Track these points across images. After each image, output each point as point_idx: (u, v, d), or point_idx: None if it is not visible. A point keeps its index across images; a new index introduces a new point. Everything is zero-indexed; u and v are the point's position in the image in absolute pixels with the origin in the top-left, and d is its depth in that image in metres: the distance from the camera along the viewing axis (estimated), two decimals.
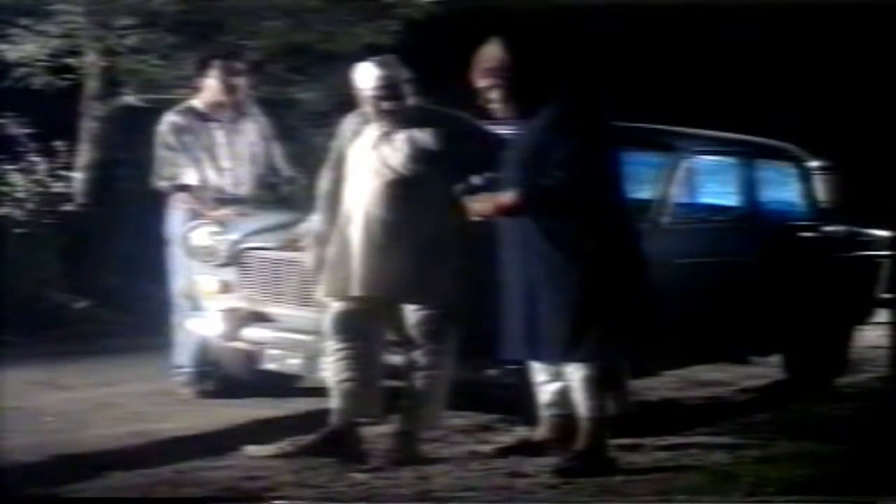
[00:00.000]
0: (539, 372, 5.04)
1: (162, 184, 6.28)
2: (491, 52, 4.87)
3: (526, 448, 5.08)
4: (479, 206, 4.80)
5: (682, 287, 5.46)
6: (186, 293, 6.11)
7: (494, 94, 4.86)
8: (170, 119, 6.30)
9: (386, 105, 4.96)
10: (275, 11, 9.18)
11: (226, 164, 6.29)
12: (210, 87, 6.30)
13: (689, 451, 5.21)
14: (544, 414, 5.08)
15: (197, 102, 6.35)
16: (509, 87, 4.83)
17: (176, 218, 6.25)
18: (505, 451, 5.08)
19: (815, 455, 5.11)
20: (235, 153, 6.32)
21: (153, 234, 6.38)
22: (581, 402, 4.87)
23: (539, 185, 4.74)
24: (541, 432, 5.11)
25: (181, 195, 6.23)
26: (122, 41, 8.93)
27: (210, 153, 6.27)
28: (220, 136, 6.30)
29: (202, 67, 6.36)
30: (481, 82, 4.88)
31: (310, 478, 4.67)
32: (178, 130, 6.25)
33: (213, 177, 6.26)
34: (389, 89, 4.95)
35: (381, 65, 4.98)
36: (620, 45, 12.80)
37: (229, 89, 6.28)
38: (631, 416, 4.96)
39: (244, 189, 6.31)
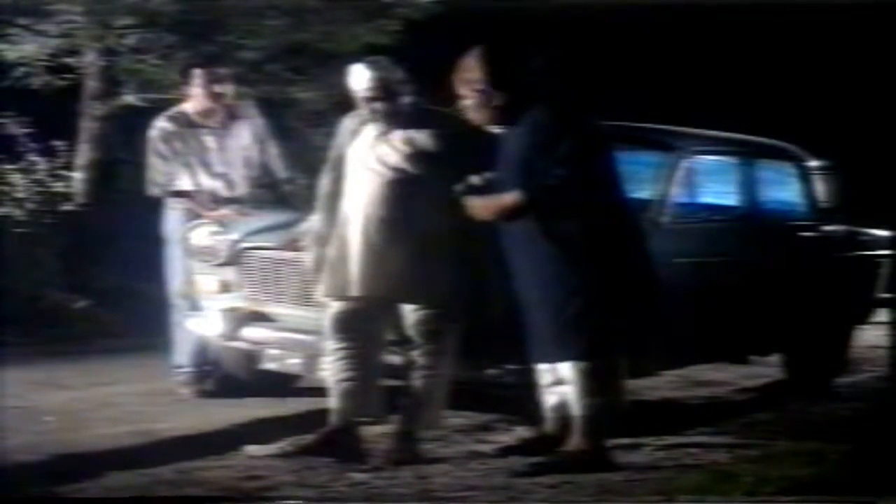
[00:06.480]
0: (545, 374, 5.02)
1: (155, 191, 6.29)
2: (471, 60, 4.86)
3: (528, 447, 5.07)
4: (481, 207, 4.80)
5: (681, 287, 5.46)
6: (186, 293, 6.10)
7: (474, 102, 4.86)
8: (159, 125, 6.29)
9: (379, 106, 4.97)
10: (275, 11, 9.18)
11: (218, 168, 6.27)
12: (195, 95, 6.29)
13: (689, 451, 5.21)
14: (549, 416, 5.07)
15: (188, 107, 6.33)
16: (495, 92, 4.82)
17: (175, 218, 6.24)
18: (506, 451, 5.07)
19: (815, 455, 5.11)
20: (227, 157, 6.29)
21: (153, 234, 6.37)
22: (577, 400, 4.86)
23: (541, 185, 4.74)
24: (543, 430, 5.10)
25: (176, 200, 6.23)
26: (121, 41, 8.93)
27: (201, 158, 6.25)
28: (210, 140, 6.27)
29: (185, 76, 6.35)
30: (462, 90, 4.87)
31: (310, 478, 4.67)
32: (167, 137, 6.24)
33: (206, 181, 6.25)
34: (382, 90, 4.95)
35: (372, 66, 4.99)
36: (621, 44, 12.81)
37: (214, 96, 6.26)
38: (630, 416, 4.95)
39: (238, 192, 6.30)
